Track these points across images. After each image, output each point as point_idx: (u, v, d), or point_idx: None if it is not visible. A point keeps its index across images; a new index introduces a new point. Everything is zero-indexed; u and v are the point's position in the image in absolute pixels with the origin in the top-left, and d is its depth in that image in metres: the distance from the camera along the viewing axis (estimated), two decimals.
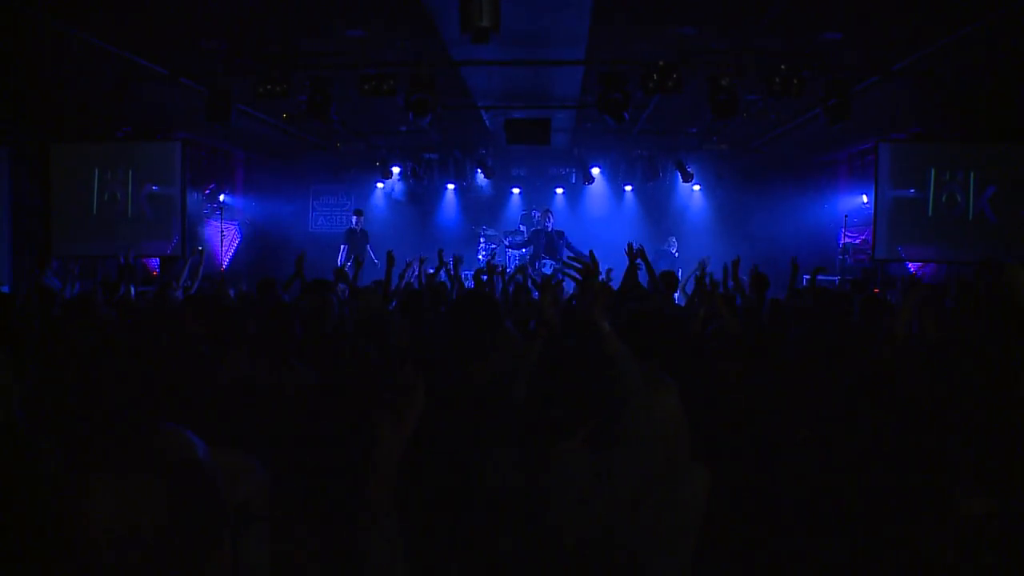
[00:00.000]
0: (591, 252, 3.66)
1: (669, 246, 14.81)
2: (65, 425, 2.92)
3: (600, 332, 2.53)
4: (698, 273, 6.41)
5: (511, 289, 7.38)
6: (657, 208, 16.35)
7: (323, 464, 2.60)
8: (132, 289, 6.69)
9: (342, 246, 14.47)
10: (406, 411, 1.61)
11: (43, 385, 3.25)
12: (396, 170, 15.94)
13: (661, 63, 8.53)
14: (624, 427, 2.33)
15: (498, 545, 2.17)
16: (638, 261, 6.29)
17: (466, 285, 9.89)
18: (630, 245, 6.46)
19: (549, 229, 13.76)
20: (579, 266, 2.99)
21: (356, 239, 14.54)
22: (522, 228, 15.66)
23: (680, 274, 11.35)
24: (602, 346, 2.47)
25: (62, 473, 1.10)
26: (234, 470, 1.38)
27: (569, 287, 6.84)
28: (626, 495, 2.25)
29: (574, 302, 5.75)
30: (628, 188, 16.40)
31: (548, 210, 14.07)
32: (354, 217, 14.89)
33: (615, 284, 5.94)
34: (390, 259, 6.76)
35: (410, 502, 2.33)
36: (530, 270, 11.12)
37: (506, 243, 15.25)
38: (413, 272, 7.86)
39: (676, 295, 7.72)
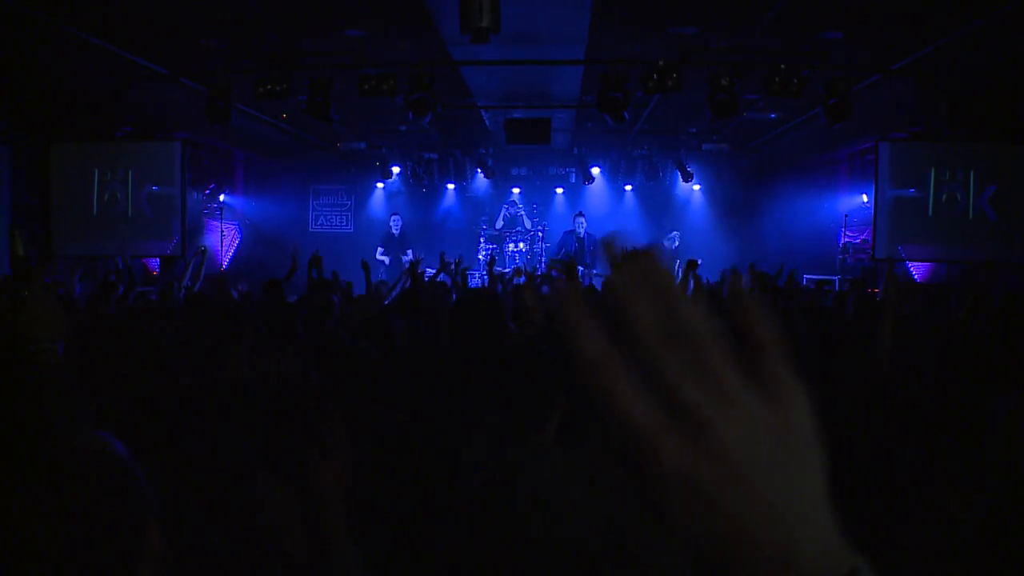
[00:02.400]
0: (571, 255, 3.64)
1: (669, 241, 14.75)
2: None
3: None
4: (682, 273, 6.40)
5: (510, 289, 7.39)
6: (657, 208, 16.31)
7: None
8: (130, 296, 6.66)
9: (379, 247, 14.78)
10: (333, 456, 1.56)
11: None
12: (396, 170, 15.91)
13: (661, 62, 8.52)
14: (597, 425, 2.27)
15: (475, 539, 2.16)
16: None
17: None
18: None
19: (581, 234, 13.85)
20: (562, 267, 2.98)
21: (392, 243, 14.84)
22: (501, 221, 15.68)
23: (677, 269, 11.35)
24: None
25: None
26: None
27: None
28: (602, 492, 2.20)
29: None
30: (628, 188, 16.34)
31: (581, 213, 14.21)
32: (392, 220, 15.15)
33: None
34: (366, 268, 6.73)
35: (407, 499, 2.37)
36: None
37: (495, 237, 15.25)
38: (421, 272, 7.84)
39: None
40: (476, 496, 2.19)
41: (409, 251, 14.27)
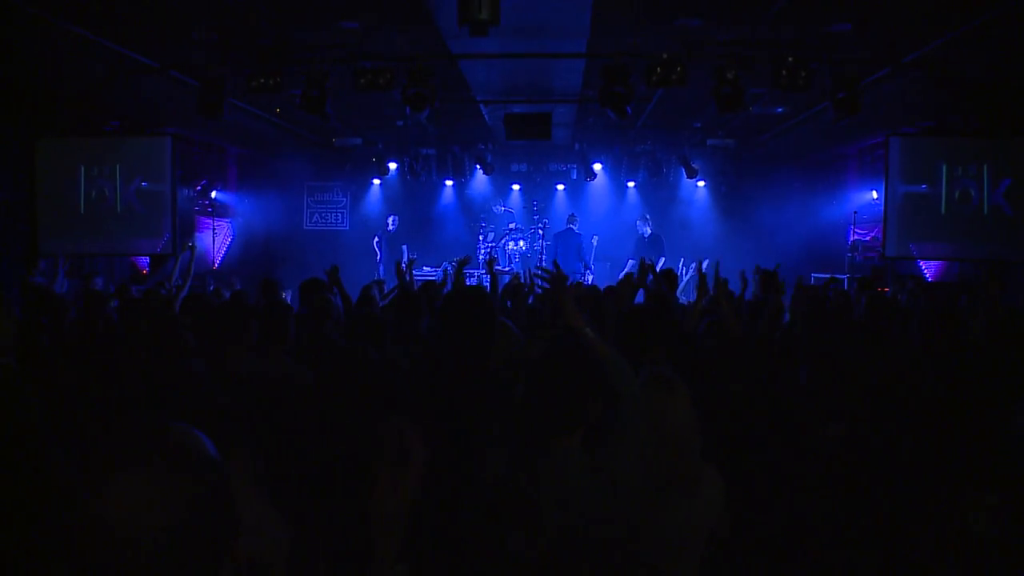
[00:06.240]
0: (555, 262, 3.66)
1: (570, 223, 14.58)
2: (70, 425, 3.00)
3: (583, 337, 2.57)
4: (697, 277, 6.40)
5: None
6: (660, 205, 16.10)
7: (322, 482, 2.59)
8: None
9: (374, 242, 15.13)
10: (406, 472, 1.51)
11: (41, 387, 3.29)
12: (393, 166, 15.81)
13: (665, 56, 8.39)
14: (618, 427, 2.35)
15: (497, 542, 2.17)
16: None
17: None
18: (642, 260, 6.59)
19: (576, 230, 14.34)
20: (547, 276, 3.04)
21: (385, 237, 15.16)
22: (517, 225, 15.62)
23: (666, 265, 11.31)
24: (589, 350, 2.51)
25: (83, 467, 1.10)
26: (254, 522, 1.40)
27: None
28: (624, 493, 2.29)
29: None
30: (631, 184, 16.19)
31: (573, 215, 14.62)
32: (390, 219, 15.36)
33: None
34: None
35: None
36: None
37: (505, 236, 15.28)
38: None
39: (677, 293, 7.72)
40: (504, 500, 2.23)
41: (404, 246, 14.57)
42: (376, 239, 15.11)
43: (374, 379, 3.30)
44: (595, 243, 14.57)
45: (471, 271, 13.12)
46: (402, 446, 1.51)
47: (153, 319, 5.10)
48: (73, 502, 1.07)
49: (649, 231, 14.04)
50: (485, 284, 8.90)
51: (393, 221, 15.35)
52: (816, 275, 12.56)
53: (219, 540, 1.15)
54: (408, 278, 7.00)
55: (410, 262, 7.52)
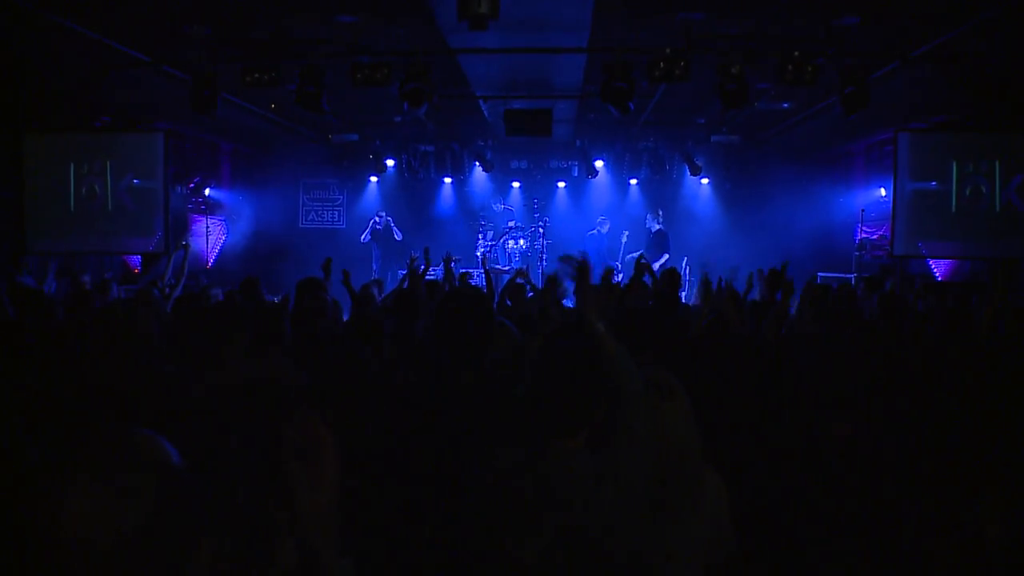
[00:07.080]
0: (584, 252, 3.57)
1: (598, 225, 14.64)
2: (49, 426, 3.04)
3: (594, 333, 2.50)
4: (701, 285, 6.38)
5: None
6: (663, 203, 15.95)
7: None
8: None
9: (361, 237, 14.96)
10: (319, 469, 1.50)
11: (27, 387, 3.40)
12: (390, 163, 15.72)
13: (668, 50, 8.33)
14: (624, 427, 2.31)
15: (499, 545, 2.16)
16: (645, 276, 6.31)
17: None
18: (638, 260, 6.52)
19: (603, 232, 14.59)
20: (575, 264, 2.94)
21: (380, 238, 15.02)
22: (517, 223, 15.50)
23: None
24: (599, 346, 2.45)
25: (40, 473, 1.11)
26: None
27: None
28: (630, 496, 2.25)
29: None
30: (633, 182, 16.08)
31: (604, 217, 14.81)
32: (376, 217, 15.16)
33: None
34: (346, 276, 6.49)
35: (409, 502, 2.51)
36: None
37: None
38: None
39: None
40: (506, 503, 2.20)
41: (389, 217, 14.68)
42: (364, 235, 14.98)
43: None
44: (625, 239, 14.70)
45: (468, 269, 13.00)
46: (312, 442, 1.49)
47: (108, 321, 5.00)
48: (32, 506, 1.07)
49: (657, 227, 13.96)
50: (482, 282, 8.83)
51: (380, 219, 15.19)
52: (823, 274, 12.44)
53: (180, 547, 1.15)
54: (409, 281, 6.89)
55: (412, 260, 7.42)
